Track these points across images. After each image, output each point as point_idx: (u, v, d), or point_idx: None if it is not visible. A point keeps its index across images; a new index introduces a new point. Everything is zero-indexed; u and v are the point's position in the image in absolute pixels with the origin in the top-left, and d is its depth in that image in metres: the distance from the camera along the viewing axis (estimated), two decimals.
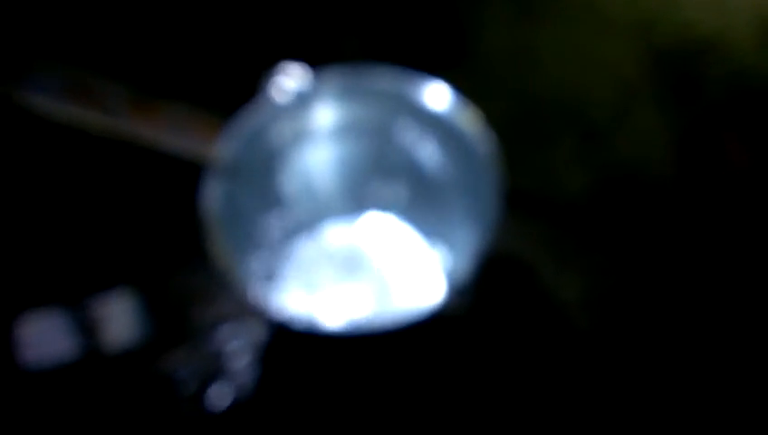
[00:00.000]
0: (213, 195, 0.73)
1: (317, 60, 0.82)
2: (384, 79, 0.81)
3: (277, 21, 1.07)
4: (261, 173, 0.81)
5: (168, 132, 0.70)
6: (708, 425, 0.84)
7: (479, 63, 1.12)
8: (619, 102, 1.09)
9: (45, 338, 0.87)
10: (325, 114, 0.83)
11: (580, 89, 1.11)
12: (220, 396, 0.85)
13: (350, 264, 0.89)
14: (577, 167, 1.03)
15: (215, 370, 0.87)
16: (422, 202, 0.88)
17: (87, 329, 0.87)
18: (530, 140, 1.05)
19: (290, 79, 0.79)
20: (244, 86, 0.78)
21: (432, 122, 0.81)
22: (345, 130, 0.85)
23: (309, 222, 0.89)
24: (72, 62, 0.69)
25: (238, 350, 0.87)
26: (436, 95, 0.80)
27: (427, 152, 0.84)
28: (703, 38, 1.13)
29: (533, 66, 1.13)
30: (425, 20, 1.16)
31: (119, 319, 0.88)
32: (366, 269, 0.89)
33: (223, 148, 0.74)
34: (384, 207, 0.91)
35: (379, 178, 0.89)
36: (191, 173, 0.73)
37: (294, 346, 0.84)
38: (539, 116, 1.08)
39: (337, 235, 0.91)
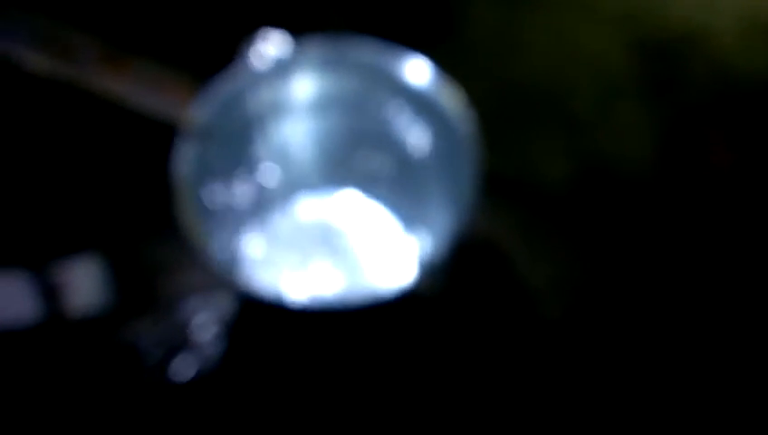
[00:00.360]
0: (184, 159, 0.72)
1: (299, 28, 0.81)
2: (367, 52, 0.80)
3: None
4: (236, 141, 0.80)
5: (140, 90, 0.69)
6: (677, 416, 0.84)
7: (463, 43, 1.11)
8: (602, 94, 1.09)
9: (6, 300, 0.86)
10: (305, 85, 0.82)
11: (565, 77, 1.10)
12: (184, 367, 0.84)
13: (322, 239, 0.88)
14: (557, 156, 1.03)
15: (180, 340, 0.85)
16: (399, 180, 0.87)
17: (50, 293, 0.85)
18: (511, 125, 1.04)
19: (270, 46, 0.77)
20: (223, 50, 0.77)
21: (414, 100, 0.80)
22: (325, 102, 0.84)
23: (282, 194, 0.88)
24: (44, 11, 0.67)
25: (205, 321, 0.86)
26: (420, 72, 0.79)
27: (408, 130, 0.83)
28: (689, 34, 1.13)
29: (519, 51, 1.12)
30: None
31: (83, 284, 0.87)
32: (338, 245, 0.88)
33: (197, 111, 0.73)
34: (361, 182, 0.90)
35: (356, 153, 0.88)
36: (164, 134, 0.72)
37: (261, 320, 0.83)
38: (521, 101, 1.07)
39: (310, 209, 0.90)
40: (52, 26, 0.66)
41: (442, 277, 0.71)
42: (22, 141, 0.93)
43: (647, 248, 0.95)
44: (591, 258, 0.95)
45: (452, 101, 0.78)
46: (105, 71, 0.66)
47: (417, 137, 0.83)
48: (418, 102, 0.80)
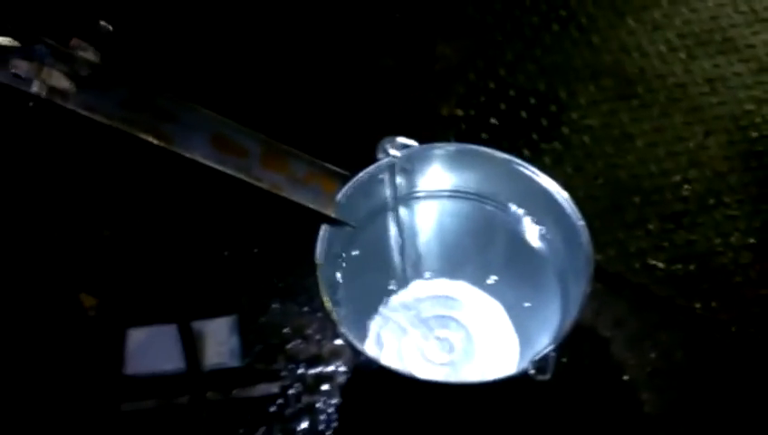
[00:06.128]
0: (322, 242, 0.79)
1: (426, 133, 0.88)
2: (488, 154, 0.86)
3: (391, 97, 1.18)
4: (368, 227, 0.87)
5: (292, 183, 0.77)
6: None
7: (568, 141, 1.15)
8: (703, 193, 1.10)
9: (151, 350, 0.94)
10: (431, 180, 0.89)
11: (667, 176, 1.12)
12: (303, 427, 0.90)
13: (439, 321, 0.93)
14: (656, 250, 1.04)
15: (299, 401, 0.92)
16: (515, 272, 0.91)
17: (189, 347, 0.93)
18: (612, 218, 1.08)
19: (403, 144, 0.84)
20: (364, 147, 0.84)
21: (532, 199, 0.85)
22: (448, 196, 0.90)
23: (405, 275, 0.94)
24: (217, 108, 0.75)
25: (324, 385, 0.92)
26: (535, 173, 0.84)
27: (524, 226, 0.88)
28: None
29: (622, 145, 1.15)
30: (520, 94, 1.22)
31: (218, 342, 0.95)
32: (453, 328, 0.93)
33: (338, 201, 0.81)
34: (478, 270, 0.95)
35: (477, 244, 0.93)
36: (309, 219, 0.79)
37: (378, 389, 0.88)
38: (623, 195, 1.10)
39: (428, 290, 0.95)
40: (223, 124, 0.75)
41: (549, 368, 0.72)
42: (187, 220, 1.06)
43: (742, 346, 0.94)
44: (686, 350, 0.95)
45: (567, 201, 0.81)
46: (263, 165, 0.74)
47: (532, 233, 0.87)
48: (536, 202, 0.85)
